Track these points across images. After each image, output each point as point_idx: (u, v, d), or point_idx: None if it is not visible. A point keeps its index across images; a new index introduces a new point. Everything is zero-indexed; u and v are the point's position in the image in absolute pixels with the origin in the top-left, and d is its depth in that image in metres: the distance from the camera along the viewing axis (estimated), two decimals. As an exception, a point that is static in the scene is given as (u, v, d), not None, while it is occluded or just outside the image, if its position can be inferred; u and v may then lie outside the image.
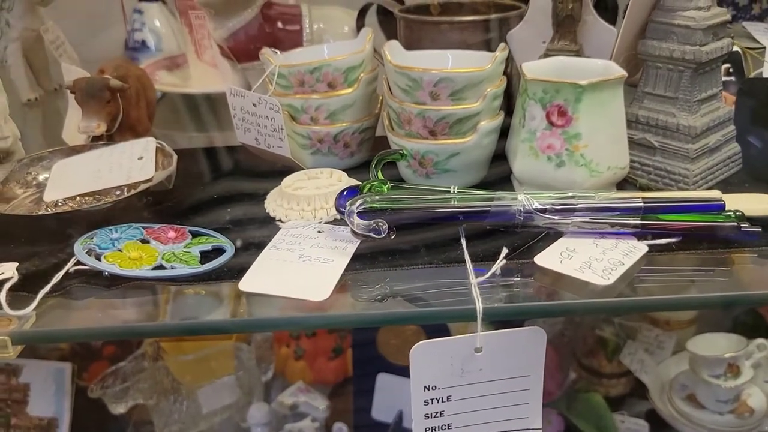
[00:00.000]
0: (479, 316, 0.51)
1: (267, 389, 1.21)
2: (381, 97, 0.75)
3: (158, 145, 0.72)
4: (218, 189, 0.71)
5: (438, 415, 0.54)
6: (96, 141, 0.76)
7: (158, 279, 0.55)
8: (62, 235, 0.60)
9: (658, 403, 1.15)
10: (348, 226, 0.58)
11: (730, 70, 0.82)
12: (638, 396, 1.18)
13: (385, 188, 0.59)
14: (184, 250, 0.58)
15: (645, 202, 0.57)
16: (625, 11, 1.01)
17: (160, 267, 0.56)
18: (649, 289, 0.53)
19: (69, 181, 0.70)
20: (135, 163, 0.71)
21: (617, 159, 0.62)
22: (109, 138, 0.76)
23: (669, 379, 1.17)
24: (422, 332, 1.12)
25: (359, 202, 0.57)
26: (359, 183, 0.62)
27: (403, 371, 1.12)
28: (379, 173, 0.62)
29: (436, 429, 0.54)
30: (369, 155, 0.74)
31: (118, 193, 0.66)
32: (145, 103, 0.81)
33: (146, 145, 0.72)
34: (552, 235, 0.58)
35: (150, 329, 0.52)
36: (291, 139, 0.71)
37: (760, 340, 1.12)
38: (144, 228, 0.61)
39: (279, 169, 0.71)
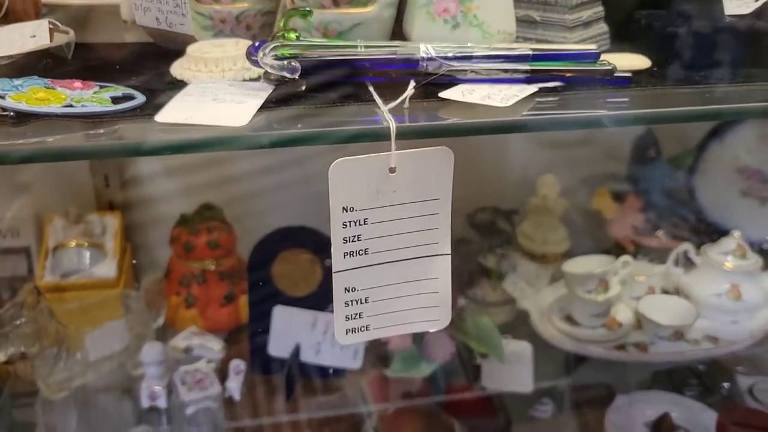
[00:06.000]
0: (393, 133, 0.54)
1: (158, 337, 1.18)
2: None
3: (52, 26, 0.70)
4: (120, 62, 0.70)
5: (355, 239, 0.57)
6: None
7: (70, 115, 0.55)
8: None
9: (539, 326, 1.22)
10: (260, 74, 0.59)
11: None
12: (520, 321, 1.25)
13: (294, 37, 0.61)
14: (94, 95, 0.58)
15: (533, 51, 0.63)
16: None
17: (70, 107, 0.56)
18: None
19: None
20: (28, 40, 0.69)
21: (506, 23, 0.68)
22: (-7, 28, 0.73)
23: (547, 304, 1.26)
24: (318, 262, 1.14)
25: (273, 45, 0.59)
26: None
27: (301, 303, 1.13)
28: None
29: (354, 253, 0.57)
30: (270, 41, 0.76)
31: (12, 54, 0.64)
32: (32, -1, 0.79)
33: (39, 25, 0.70)
34: (449, 84, 0.63)
35: (76, 150, 0.51)
36: (193, 22, 0.72)
37: (625, 257, 1.23)
38: (48, 80, 0.59)
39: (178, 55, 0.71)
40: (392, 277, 0.58)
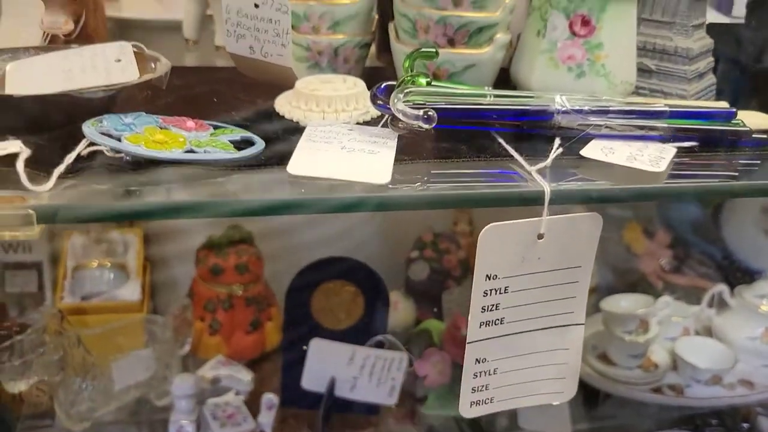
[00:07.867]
0: (546, 198, 0.50)
1: (184, 365, 1.11)
2: (375, 17, 0.72)
3: (136, 49, 0.64)
4: (212, 93, 0.64)
5: (494, 308, 0.52)
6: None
7: (195, 162, 0.49)
8: (56, 121, 0.51)
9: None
10: (383, 119, 0.55)
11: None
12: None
13: (424, 82, 0.56)
14: (212, 138, 0.52)
15: (669, 107, 0.60)
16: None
17: (191, 152, 0.50)
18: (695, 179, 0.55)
19: (32, 80, 0.61)
20: (113, 65, 0.63)
21: (629, 74, 0.64)
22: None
23: (579, 341, 1.23)
24: (360, 294, 1.09)
25: (406, 90, 0.54)
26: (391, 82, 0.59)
27: (338, 336, 1.08)
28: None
29: (490, 323, 0.52)
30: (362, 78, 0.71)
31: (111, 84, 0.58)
32: (102, 13, 0.73)
33: (122, 49, 0.64)
34: (580, 140, 0.58)
35: (203, 206, 0.45)
36: (287, 52, 0.67)
37: (665, 298, 1.21)
38: (158, 117, 0.54)
39: (269, 87, 0.66)
40: (523, 347, 0.54)
